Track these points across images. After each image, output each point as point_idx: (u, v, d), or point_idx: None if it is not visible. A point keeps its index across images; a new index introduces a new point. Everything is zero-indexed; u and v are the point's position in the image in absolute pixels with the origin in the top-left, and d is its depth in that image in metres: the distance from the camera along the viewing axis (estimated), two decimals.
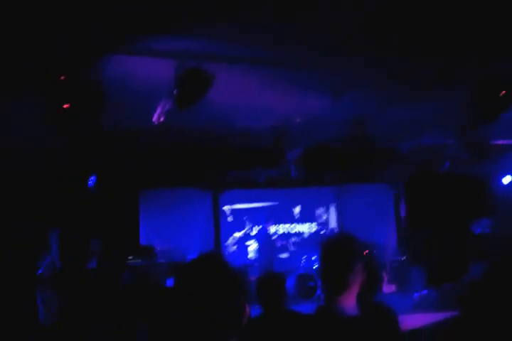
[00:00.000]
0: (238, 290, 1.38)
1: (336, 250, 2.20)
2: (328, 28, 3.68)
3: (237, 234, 10.24)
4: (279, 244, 10.05)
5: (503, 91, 4.75)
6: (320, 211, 11.06)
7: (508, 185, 10.40)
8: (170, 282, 7.48)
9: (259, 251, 9.33)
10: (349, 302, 2.16)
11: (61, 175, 7.43)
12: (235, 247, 10.15)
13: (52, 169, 7.23)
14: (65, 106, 3.80)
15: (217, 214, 10.12)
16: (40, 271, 7.19)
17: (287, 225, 10.74)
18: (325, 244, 2.31)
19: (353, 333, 2.08)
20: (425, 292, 6.92)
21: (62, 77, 3.63)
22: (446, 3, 3.46)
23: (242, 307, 1.37)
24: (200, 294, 1.33)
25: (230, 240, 10.18)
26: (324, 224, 11.00)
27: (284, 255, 10.25)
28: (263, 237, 9.28)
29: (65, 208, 7.79)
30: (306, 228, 10.88)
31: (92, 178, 7.57)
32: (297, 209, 10.93)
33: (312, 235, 10.74)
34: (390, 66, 4.55)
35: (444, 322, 4.45)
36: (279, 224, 10.61)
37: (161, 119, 4.72)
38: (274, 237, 10.07)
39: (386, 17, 3.56)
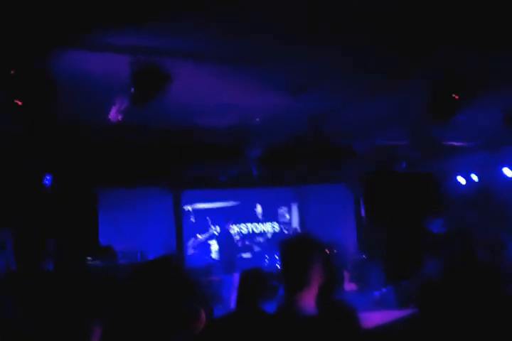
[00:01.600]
0: (191, 294, 1.34)
1: (295, 248, 2.21)
2: (284, 20, 3.66)
3: (201, 236, 10.19)
4: (241, 243, 10.05)
5: (456, 94, 4.86)
6: (282, 210, 11.13)
7: (461, 184, 10.72)
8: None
9: (219, 251, 9.30)
10: (309, 301, 2.16)
11: (15, 173, 7.19)
12: (194, 249, 10.09)
13: (5, 167, 6.98)
14: (18, 102, 3.67)
15: (179, 213, 10.02)
16: None
17: (250, 225, 10.74)
18: (284, 242, 2.31)
19: (312, 332, 2.07)
20: (384, 290, 7.01)
21: (11, 71, 3.50)
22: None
23: (195, 312, 1.33)
24: (151, 296, 1.29)
25: (192, 240, 10.11)
26: (287, 224, 11.06)
27: (247, 255, 10.25)
28: (223, 237, 9.24)
29: (20, 208, 7.55)
30: (269, 227, 10.92)
31: (48, 177, 7.36)
32: (259, 209, 10.96)
33: (275, 235, 10.78)
34: (346, 65, 4.58)
35: (403, 320, 4.52)
36: (241, 223, 10.61)
37: (119, 117, 4.61)
38: (236, 237, 10.05)
39: (343, 12, 3.57)
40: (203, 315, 1.36)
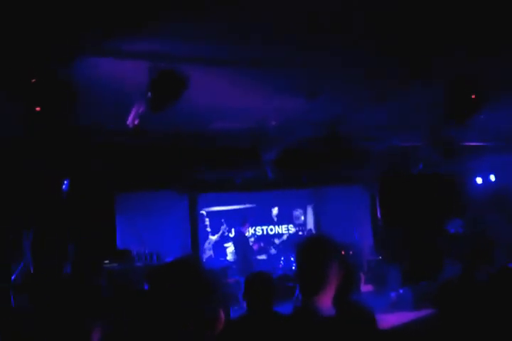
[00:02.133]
0: (211, 295, 1.36)
1: (311, 250, 2.21)
2: (304, 28, 3.70)
3: (213, 237, 10.23)
4: (256, 245, 10.06)
5: (473, 94, 4.83)
6: (297, 213, 11.12)
7: (480, 185, 10.62)
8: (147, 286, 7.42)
9: (236, 253, 9.32)
10: (325, 302, 2.16)
11: (34, 177, 7.30)
12: (211, 251, 10.14)
13: (24, 171, 7.09)
14: (37, 108, 3.74)
15: (195, 216, 10.07)
16: (13, 277, 7.04)
17: (265, 227, 10.76)
18: (301, 244, 2.31)
19: (330, 333, 2.08)
20: (401, 291, 6.99)
21: (33, 80, 3.57)
22: (418, 4, 3.52)
23: (214, 313, 1.34)
24: (171, 298, 1.32)
25: (208, 242, 10.16)
26: (302, 226, 11.05)
27: (263, 256, 10.26)
28: (238, 239, 9.27)
29: (39, 212, 7.65)
30: (284, 230, 10.92)
31: (66, 182, 7.45)
32: (275, 211, 10.96)
33: (290, 237, 10.78)
34: (364, 66, 4.59)
35: (420, 321, 4.51)
36: (257, 226, 10.64)
37: (136, 122, 4.67)
38: (251, 239, 10.07)
39: (359, 17, 3.59)
40: (222, 315, 1.39)
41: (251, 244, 9.84)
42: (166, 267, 1.45)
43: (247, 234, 9.74)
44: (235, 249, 9.39)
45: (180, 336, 1.30)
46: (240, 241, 9.21)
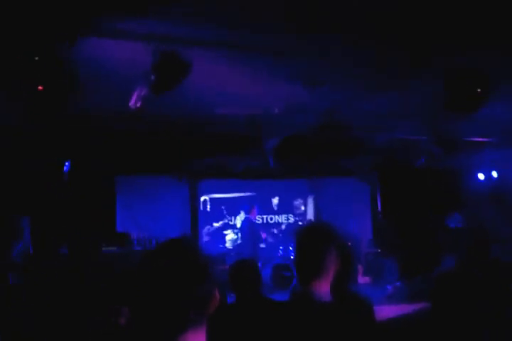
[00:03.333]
0: (204, 276, 1.34)
1: (310, 235, 2.21)
2: (306, 16, 3.65)
3: (217, 224, 10.24)
4: (264, 234, 10.06)
5: (479, 89, 4.78)
6: (298, 202, 11.12)
7: (480, 180, 10.60)
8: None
9: (243, 240, 9.32)
10: (324, 289, 2.15)
11: (35, 160, 7.29)
12: (208, 236, 10.15)
13: (25, 153, 7.08)
14: (39, 88, 3.71)
15: (195, 203, 10.09)
16: (12, 257, 7.07)
17: (265, 216, 10.77)
18: (300, 230, 2.31)
19: (327, 318, 2.07)
20: (398, 284, 6.99)
21: (35, 58, 3.54)
22: None
23: (209, 293, 1.34)
24: (164, 278, 1.30)
25: (207, 228, 10.18)
26: (302, 216, 11.06)
27: (262, 245, 10.28)
28: (248, 226, 9.25)
29: (39, 193, 7.66)
30: (284, 219, 10.93)
31: (67, 164, 7.45)
32: (275, 201, 10.96)
33: (290, 226, 10.80)
34: (366, 55, 4.54)
35: (415, 313, 4.51)
36: (257, 215, 10.65)
37: (138, 105, 4.64)
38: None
39: (361, 7, 3.55)
40: (217, 294, 1.38)
41: (259, 231, 9.82)
42: (161, 245, 1.44)
43: (254, 222, 9.72)
44: (243, 236, 9.37)
45: (175, 314, 1.29)
46: (250, 228, 9.19)
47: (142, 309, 1.32)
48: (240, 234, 9.85)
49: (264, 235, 9.79)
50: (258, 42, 4.20)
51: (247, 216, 9.31)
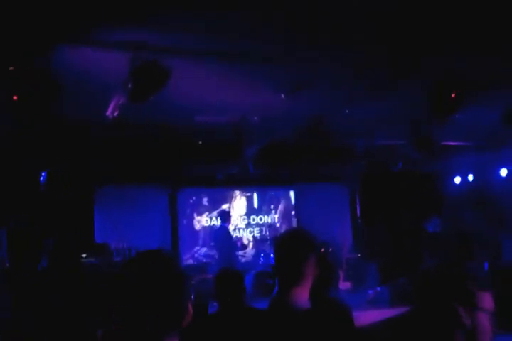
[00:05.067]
0: (179, 288, 1.34)
1: (287, 243, 2.21)
2: (285, 21, 3.68)
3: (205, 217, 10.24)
4: (239, 242, 10.04)
5: (454, 93, 4.87)
6: (278, 209, 11.13)
7: (459, 184, 10.76)
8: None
9: (218, 249, 9.26)
10: (302, 296, 2.15)
11: (10, 170, 7.18)
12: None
13: (0, 164, 6.96)
14: (15, 97, 3.66)
15: (175, 211, 10.02)
16: None
17: (245, 223, 10.76)
18: (279, 236, 2.32)
19: (304, 325, 2.07)
20: (379, 289, 7.04)
21: (11, 67, 3.49)
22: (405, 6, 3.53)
23: (183, 305, 1.33)
24: (138, 290, 1.30)
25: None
26: (282, 223, 11.07)
27: (241, 253, 10.25)
28: (222, 235, 9.20)
29: (15, 204, 7.53)
30: (267, 220, 10.95)
31: (43, 174, 7.34)
32: (255, 205, 10.97)
33: (270, 232, 10.79)
34: (345, 62, 4.59)
35: (396, 318, 4.54)
36: (238, 222, 10.64)
37: (115, 113, 4.60)
38: (234, 235, 10.06)
39: (342, 12, 3.59)
40: (191, 308, 1.37)
41: (234, 239, 9.79)
42: (135, 259, 1.43)
43: (230, 230, 9.70)
44: (217, 245, 9.32)
45: (148, 326, 1.28)
46: (225, 237, 9.14)
47: (118, 319, 1.31)
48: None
49: (239, 243, 9.77)
50: (237, 49, 4.21)
51: (223, 224, 9.26)
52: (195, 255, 10.03)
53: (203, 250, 10.08)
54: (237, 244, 9.44)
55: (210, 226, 10.27)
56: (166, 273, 1.35)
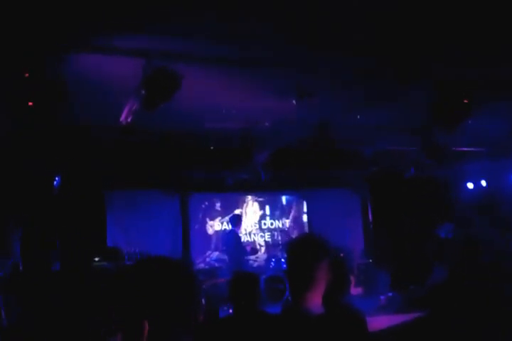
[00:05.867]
0: (189, 291, 1.34)
1: (301, 246, 2.21)
2: (294, 28, 3.71)
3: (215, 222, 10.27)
4: (249, 246, 10.04)
5: (465, 99, 4.86)
6: (289, 214, 11.13)
7: (470, 190, 10.68)
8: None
9: (228, 253, 9.27)
10: (315, 301, 2.15)
11: (24, 174, 7.26)
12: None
13: (14, 168, 7.04)
14: (30, 103, 3.72)
15: (186, 216, 10.06)
16: (1, 274, 6.99)
17: (257, 228, 10.76)
18: (292, 241, 2.32)
19: (317, 331, 2.07)
20: (390, 294, 7.00)
21: (26, 75, 3.55)
22: (407, 7, 3.53)
23: (193, 309, 1.33)
24: (147, 293, 1.30)
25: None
26: (293, 228, 11.06)
27: (253, 257, 10.25)
28: (232, 240, 9.22)
29: (29, 209, 7.60)
30: (279, 225, 10.95)
31: (57, 178, 7.41)
32: (267, 211, 10.97)
33: (282, 238, 10.78)
34: (355, 68, 4.60)
35: (408, 324, 4.51)
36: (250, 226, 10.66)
37: (129, 119, 4.65)
38: (243, 240, 10.07)
39: (349, 18, 3.61)
40: (200, 312, 1.38)
41: (243, 244, 9.80)
42: (145, 260, 1.44)
43: (240, 235, 9.72)
44: (228, 249, 9.33)
45: (157, 330, 1.29)
46: (235, 242, 9.16)
47: (127, 323, 1.32)
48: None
49: (248, 248, 9.77)
50: (248, 56, 4.24)
51: (233, 228, 9.27)
52: (207, 259, 10.04)
53: (215, 254, 10.08)
54: (246, 249, 9.44)
55: (222, 230, 10.30)
56: (176, 276, 1.36)
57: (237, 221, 9.31)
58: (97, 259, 7.73)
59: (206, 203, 10.41)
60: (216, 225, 10.41)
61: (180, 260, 1.51)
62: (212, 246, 10.28)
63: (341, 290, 2.68)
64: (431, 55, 4.30)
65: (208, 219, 10.41)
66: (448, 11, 3.58)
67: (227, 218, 10.31)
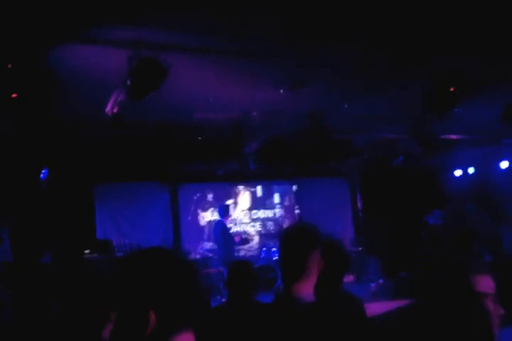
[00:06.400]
0: (186, 281, 1.33)
1: (293, 236, 2.22)
2: (284, 18, 3.67)
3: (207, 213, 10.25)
4: (238, 236, 10.06)
5: (453, 87, 4.87)
6: (279, 204, 11.16)
7: (459, 177, 10.77)
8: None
9: (217, 243, 9.28)
10: (307, 290, 2.15)
11: (12, 167, 7.18)
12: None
13: (1, 161, 6.97)
14: (13, 95, 3.66)
15: (176, 207, 10.05)
16: None
17: (249, 218, 10.79)
18: (284, 231, 2.33)
19: (309, 319, 2.07)
20: (381, 281, 7.07)
21: (9, 65, 3.49)
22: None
23: (191, 299, 1.33)
24: (143, 284, 1.29)
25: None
26: (285, 217, 11.10)
27: (244, 247, 10.29)
28: (220, 230, 9.23)
29: (17, 202, 7.54)
30: (270, 214, 10.98)
31: (44, 171, 7.35)
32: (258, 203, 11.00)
33: (274, 227, 10.83)
34: (345, 58, 4.58)
35: (400, 310, 4.57)
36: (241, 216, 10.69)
37: (115, 110, 4.60)
38: (235, 230, 10.10)
39: (341, 8, 3.58)
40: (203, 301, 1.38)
41: (232, 234, 9.81)
42: (138, 252, 1.43)
43: (229, 225, 9.73)
44: (216, 239, 9.34)
45: (160, 320, 1.28)
46: (222, 232, 9.17)
47: (122, 317, 1.31)
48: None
49: (237, 238, 9.78)
50: (236, 46, 4.20)
51: (221, 218, 9.25)
52: (199, 250, 10.06)
53: (208, 245, 10.09)
54: (234, 239, 9.45)
55: (214, 221, 10.31)
56: (178, 266, 1.35)
57: (225, 211, 9.29)
58: (87, 252, 7.71)
59: (198, 194, 10.40)
60: (209, 216, 10.42)
61: (176, 250, 1.49)
62: (205, 236, 10.29)
63: (337, 278, 2.68)
64: (421, 44, 4.29)
65: (200, 211, 10.41)
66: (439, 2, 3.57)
67: None
